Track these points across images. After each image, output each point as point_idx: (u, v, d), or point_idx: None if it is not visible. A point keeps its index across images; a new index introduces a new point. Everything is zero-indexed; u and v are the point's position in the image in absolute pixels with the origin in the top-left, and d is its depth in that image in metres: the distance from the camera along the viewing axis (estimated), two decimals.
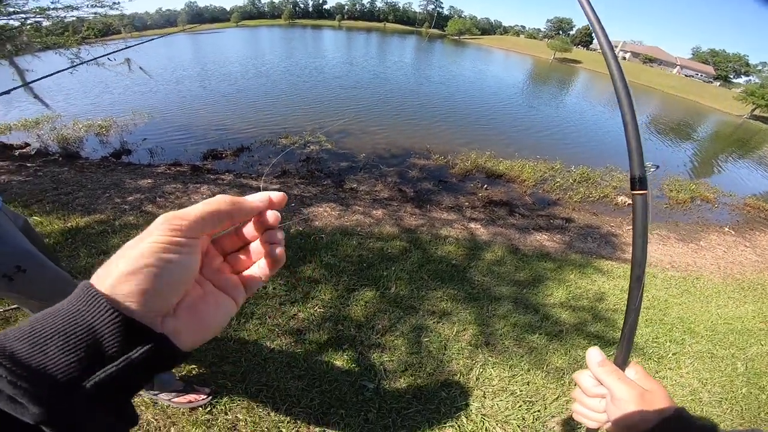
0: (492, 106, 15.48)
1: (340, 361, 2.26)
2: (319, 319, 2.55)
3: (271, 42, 43.40)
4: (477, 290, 3.19)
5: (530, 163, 8.33)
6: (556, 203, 7.00)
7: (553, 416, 2.17)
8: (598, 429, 0.60)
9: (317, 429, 1.86)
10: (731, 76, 65.75)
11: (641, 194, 0.56)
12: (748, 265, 5.71)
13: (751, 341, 3.42)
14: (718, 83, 62.89)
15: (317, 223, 4.00)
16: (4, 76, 5.71)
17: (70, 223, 3.33)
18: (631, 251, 0.61)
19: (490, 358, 2.47)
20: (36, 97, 6.10)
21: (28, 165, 5.44)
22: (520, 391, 2.29)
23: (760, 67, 41.06)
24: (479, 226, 4.74)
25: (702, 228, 7.20)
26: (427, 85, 19.40)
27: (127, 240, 0.34)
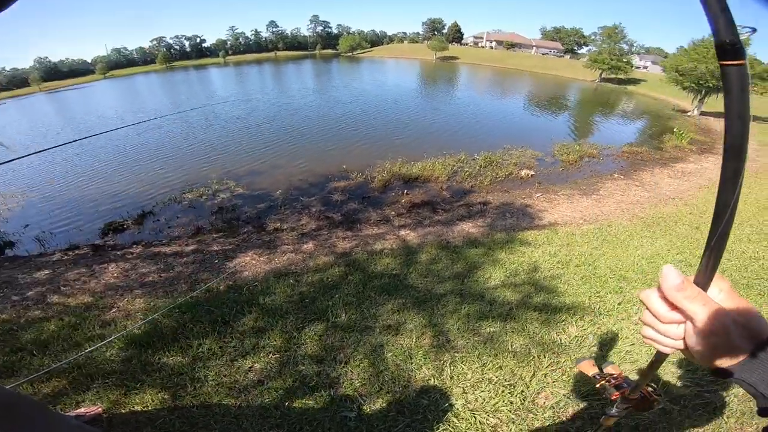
0: (396, 115, 16.14)
1: (313, 400, 2.16)
2: (278, 365, 2.42)
3: (150, 90, 40.31)
4: (423, 293, 3.25)
5: (439, 161, 8.86)
6: (471, 191, 7.50)
7: (538, 392, 2.23)
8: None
9: None
10: (575, 48, 76.73)
11: (737, 65, 0.39)
12: (644, 201, 6.64)
13: None
14: (569, 56, 72.91)
15: (247, 273, 3.79)
16: None
17: None
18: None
19: (456, 355, 2.50)
20: None
21: None
22: (497, 377, 2.33)
23: (593, 37, 48.29)
24: (409, 231, 4.88)
25: (597, 180, 8.24)
26: (333, 106, 19.57)
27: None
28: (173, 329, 2.81)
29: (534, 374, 2.35)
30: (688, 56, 21.03)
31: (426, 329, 2.77)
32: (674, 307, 0.47)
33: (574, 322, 2.90)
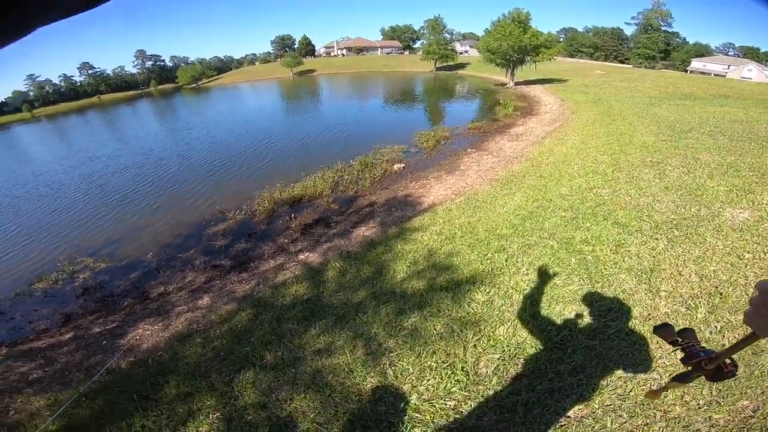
0: (264, 140, 15.39)
1: None
2: (223, 422, 2.30)
3: None
4: (341, 308, 3.33)
5: (318, 175, 8.96)
6: (356, 196, 7.80)
7: (476, 363, 2.42)
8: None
9: None
10: (411, 44, 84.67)
11: None
12: (496, 166, 7.76)
13: (540, 219, 4.49)
14: (407, 52, 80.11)
15: (145, 345, 3.40)
16: None
17: None
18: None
19: (391, 355, 2.61)
20: None
21: None
22: (435, 363, 2.47)
23: (422, 31, 54.11)
24: (308, 253, 4.89)
25: (455, 158, 9.33)
26: (186, 146, 17.74)
27: None
28: (92, 417, 2.49)
29: (465, 349, 2.56)
30: (492, 37, 24.90)
31: (356, 341, 2.85)
32: None
33: (477, 289, 3.24)
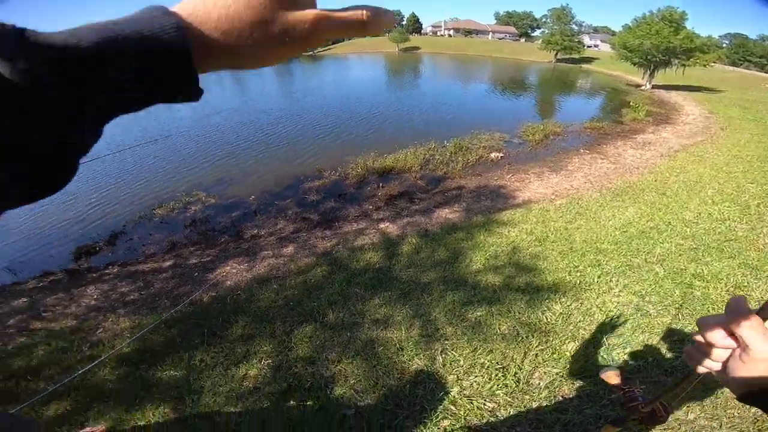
0: (366, 110, 15.89)
1: (312, 400, 2.18)
2: (272, 369, 2.43)
3: None
4: (408, 284, 3.29)
5: (411, 151, 8.89)
6: (445, 177, 7.59)
7: (532, 373, 2.28)
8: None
9: None
10: (529, 32, 78.73)
11: None
12: (611, 173, 6.91)
13: (652, 242, 3.96)
14: (524, 39, 74.74)
15: (229, 282, 3.72)
16: None
17: None
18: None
19: (446, 343, 2.54)
20: None
21: None
22: (489, 361, 2.37)
23: (545, 20, 49.75)
24: (388, 224, 4.90)
25: (564, 156, 8.50)
26: (300, 107, 19.21)
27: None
28: (163, 344, 2.78)
29: (525, 355, 2.41)
30: (633, 33, 21.91)
31: (414, 320, 2.80)
32: (731, 334, 0.50)
33: (557, 299, 2.99)
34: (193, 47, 0.30)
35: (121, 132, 13.05)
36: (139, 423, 2.12)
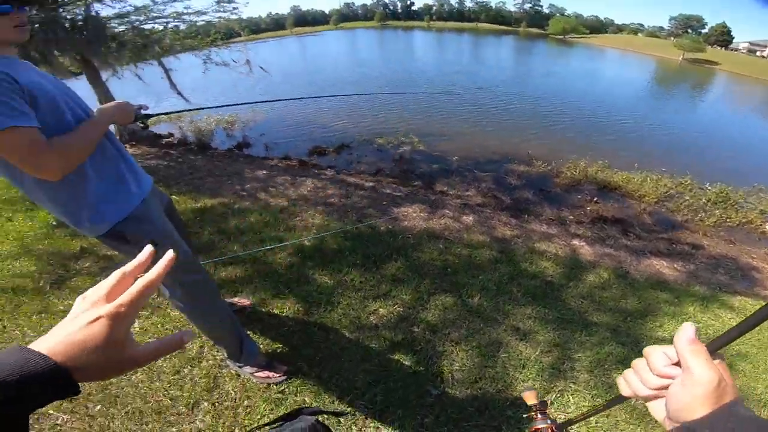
0: (611, 113, 13.69)
1: (410, 362, 2.22)
2: (397, 317, 2.53)
3: (368, 45, 45.09)
4: (571, 313, 2.83)
5: (652, 176, 7.21)
6: (683, 226, 5.93)
7: None
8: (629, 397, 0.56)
9: (372, 424, 1.85)
10: None
11: None
12: None
13: None
14: None
15: (405, 223, 3.96)
16: (154, 74, 6.91)
17: (199, 204, 4.00)
18: None
19: (571, 385, 2.19)
20: (179, 93, 7.25)
21: (172, 152, 6.49)
22: (596, 422, 2.01)
23: None
24: (584, 244, 4.23)
25: None
26: (532, 87, 18.13)
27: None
28: (334, 251, 3.20)
29: None
30: None
31: (554, 348, 2.44)
32: (672, 363, 0.50)
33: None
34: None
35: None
36: (274, 311, 2.48)
